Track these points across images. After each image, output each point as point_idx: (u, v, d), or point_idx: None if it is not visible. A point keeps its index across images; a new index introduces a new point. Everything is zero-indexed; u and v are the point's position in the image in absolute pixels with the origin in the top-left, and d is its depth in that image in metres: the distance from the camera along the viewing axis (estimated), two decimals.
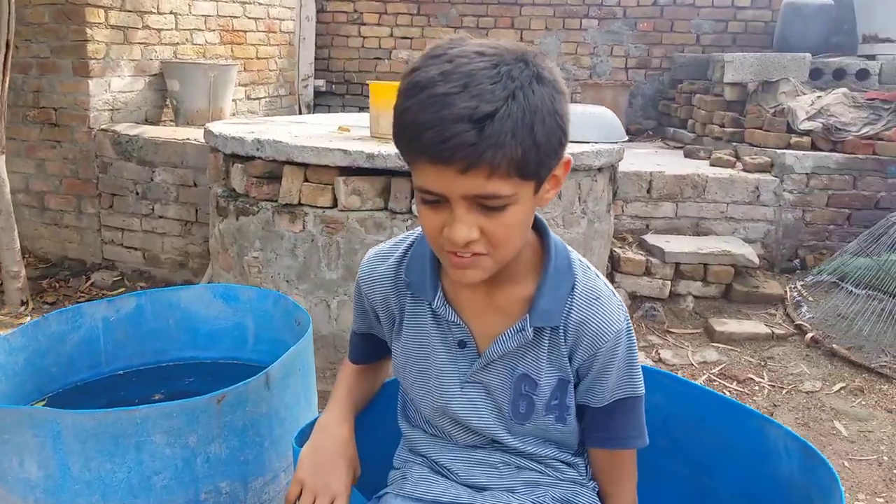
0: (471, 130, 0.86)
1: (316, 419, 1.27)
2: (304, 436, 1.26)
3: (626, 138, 4.11)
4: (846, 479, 2.62)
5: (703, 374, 3.24)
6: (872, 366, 3.28)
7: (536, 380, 1.09)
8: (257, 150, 3.01)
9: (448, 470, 1.18)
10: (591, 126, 3.70)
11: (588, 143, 3.49)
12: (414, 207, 2.85)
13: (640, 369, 1.12)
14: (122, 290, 4.08)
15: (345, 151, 2.84)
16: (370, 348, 1.28)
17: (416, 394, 1.18)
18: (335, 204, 2.94)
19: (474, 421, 1.13)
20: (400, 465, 1.26)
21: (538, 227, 1.09)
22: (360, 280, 1.20)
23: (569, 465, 1.18)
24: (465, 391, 1.12)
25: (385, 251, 1.18)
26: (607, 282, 1.12)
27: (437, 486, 1.16)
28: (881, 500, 2.51)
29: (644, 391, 1.15)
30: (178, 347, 2.03)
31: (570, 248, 1.11)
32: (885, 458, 2.75)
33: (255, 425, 1.54)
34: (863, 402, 3.09)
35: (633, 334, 1.11)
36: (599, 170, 3.40)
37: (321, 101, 6.68)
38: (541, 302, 1.05)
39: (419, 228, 1.13)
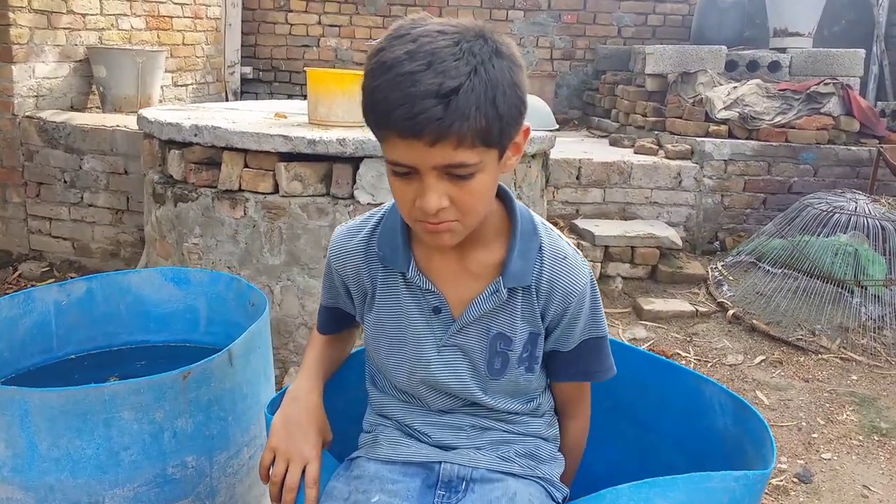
0: (437, 105, 0.92)
1: (287, 388, 1.32)
2: (275, 405, 1.29)
3: (557, 126, 4.25)
4: None
5: None
6: (790, 339, 3.50)
7: (511, 337, 1.15)
8: (195, 135, 3.00)
9: (419, 432, 1.24)
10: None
11: None
12: (356, 193, 2.90)
13: (603, 314, 1.22)
14: (52, 280, 3.98)
15: (286, 137, 2.86)
16: (337, 319, 1.33)
17: (391, 363, 1.21)
18: (276, 190, 2.96)
19: (453, 382, 1.18)
20: (370, 429, 1.29)
21: (502, 195, 1.16)
22: (330, 256, 1.22)
23: (532, 416, 1.25)
24: (442, 355, 1.17)
25: (354, 227, 1.22)
26: (569, 241, 1.21)
27: (408, 448, 1.22)
28: (801, 461, 2.70)
29: (607, 332, 1.26)
30: (130, 331, 2.03)
31: (532, 212, 1.19)
32: (804, 423, 2.95)
33: (220, 401, 1.58)
34: (782, 373, 3.30)
35: (596, 285, 1.22)
36: (533, 156, 3.51)
37: (248, 89, 6.61)
38: (512, 264, 1.11)
39: (387, 204, 1.20)
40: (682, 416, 1.55)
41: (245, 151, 2.97)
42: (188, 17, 5.45)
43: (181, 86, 5.42)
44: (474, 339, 1.16)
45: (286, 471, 1.17)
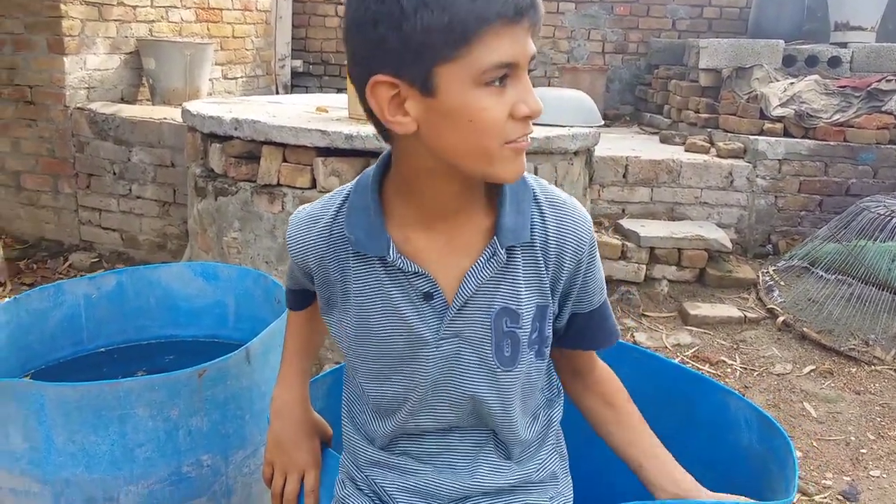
0: None
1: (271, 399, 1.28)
2: None
3: (602, 123, 4.15)
4: (815, 458, 2.69)
5: (677, 356, 3.30)
6: (842, 349, 3.36)
7: (517, 310, 0.99)
8: (235, 129, 3.01)
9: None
10: (567, 110, 3.73)
11: (564, 126, 3.53)
12: None
13: None
14: (101, 271, 4.06)
15: (323, 132, 2.84)
16: (306, 297, 1.20)
17: (379, 367, 1.04)
18: (314, 185, 2.95)
19: (457, 383, 1.02)
20: (343, 490, 1.14)
21: None
22: (289, 247, 1.07)
23: (543, 444, 1.14)
24: (441, 349, 0.99)
25: (314, 212, 1.05)
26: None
27: None
28: (848, 478, 2.59)
29: None
30: (160, 325, 2.04)
31: None
32: (853, 438, 2.83)
33: (237, 399, 1.56)
34: (832, 385, 3.17)
35: None
36: (575, 153, 3.44)
37: (298, 82, 6.65)
38: (507, 220, 0.96)
39: (347, 185, 1.05)
40: (709, 430, 1.49)
41: (284, 146, 2.97)
42: (238, 10, 5.49)
43: (231, 79, 5.47)
44: (477, 323, 0.99)
45: (285, 482, 1.16)
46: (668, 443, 1.58)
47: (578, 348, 1.12)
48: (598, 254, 1.05)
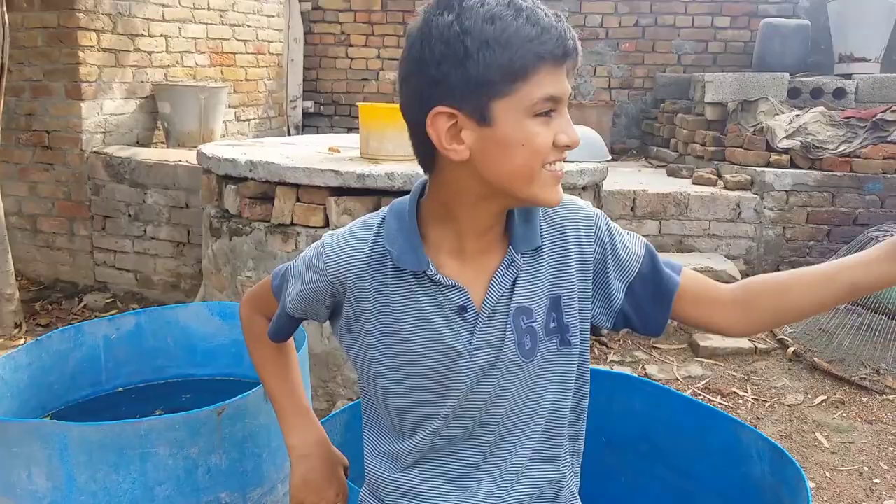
0: (567, 27, 0.95)
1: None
2: None
3: (610, 157, 4.21)
4: (827, 489, 2.69)
5: (689, 388, 3.31)
6: (853, 378, 3.36)
7: (530, 306, 1.06)
8: (250, 171, 3.08)
9: None
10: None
11: (572, 162, 3.58)
12: None
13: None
14: (115, 311, 4.11)
15: (336, 172, 2.91)
16: (295, 326, 1.23)
17: (411, 383, 1.07)
18: (327, 223, 3.00)
19: (489, 386, 1.06)
20: None
21: None
22: (325, 262, 1.09)
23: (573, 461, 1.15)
24: (474, 359, 1.05)
25: (353, 232, 1.10)
26: None
27: None
28: None
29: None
30: (177, 364, 2.08)
31: None
32: (866, 468, 2.82)
33: (254, 437, 1.60)
34: (843, 414, 3.17)
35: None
36: (584, 188, 3.49)
37: (309, 122, 6.76)
38: (517, 229, 1.06)
39: (381, 210, 1.11)
40: (721, 462, 1.51)
41: (297, 186, 3.03)
42: (251, 54, 5.62)
43: (244, 120, 5.58)
44: (501, 327, 1.05)
45: None
46: (682, 475, 1.61)
47: (665, 302, 1.10)
48: (616, 228, 1.12)
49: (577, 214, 1.09)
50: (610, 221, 1.12)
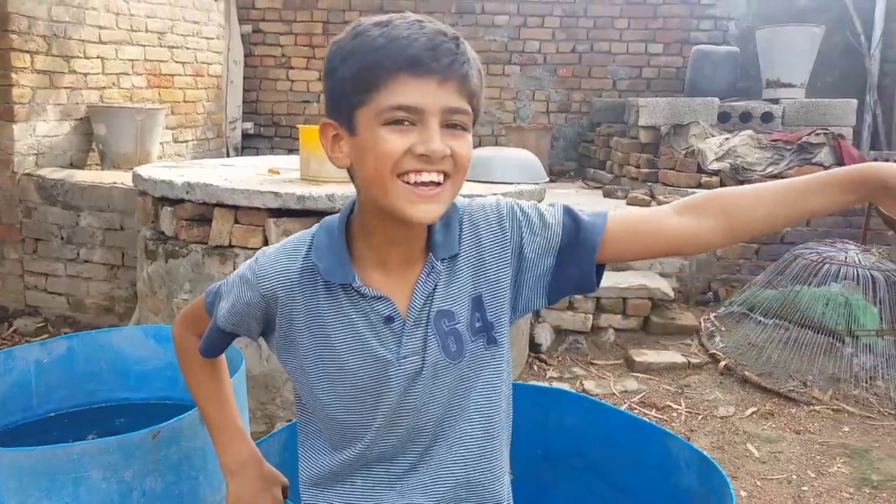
0: (450, 42, 0.97)
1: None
2: None
3: (548, 179, 4.30)
4: (758, 497, 2.77)
5: (625, 402, 3.38)
6: (781, 390, 3.48)
7: (451, 309, 1.08)
8: (187, 192, 3.05)
9: None
10: (514, 168, 3.87)
11: (510, 183, 3.65)
12: None
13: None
14: (46, 336, 4.01)
15: (275, 194, 2.91)
16: (227, 342, 1.24)
17: (344, 393, 1.09)
18: (266, 245, 2.99)
19: (420, 392, 1.08)
20: None
21: None
22: (258, 276, 1.10)
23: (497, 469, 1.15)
24: (403, 367, 1.07)
25: (287, 247, 1.12)
26: None
27: None
28: None
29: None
30: (111, 388, 2.05)
31: None
32: (794, 476, 2.92)
33: (190, 460, 1.59)
34: (773, 425, 3.27)
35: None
36: None
37: (249, 144, 6.72)
38: (438, 236, 1.08)
39: (309, 229, 1.13)
40: (654, 474, 1.55)
41: (236, 208, 3.02)
42: (189, 75, 5.57)
43: (181, 142, 5.52)
44: (424, 335, 1.07)
45: None
46: (615, 488, 1.65)
47: (592, 252, 1.09)
48: (533, 206, 1.13)
49: (488, 210, 1.11)
50: (522, 203, 1.13)
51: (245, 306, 1.12)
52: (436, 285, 1.08)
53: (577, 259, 1.09)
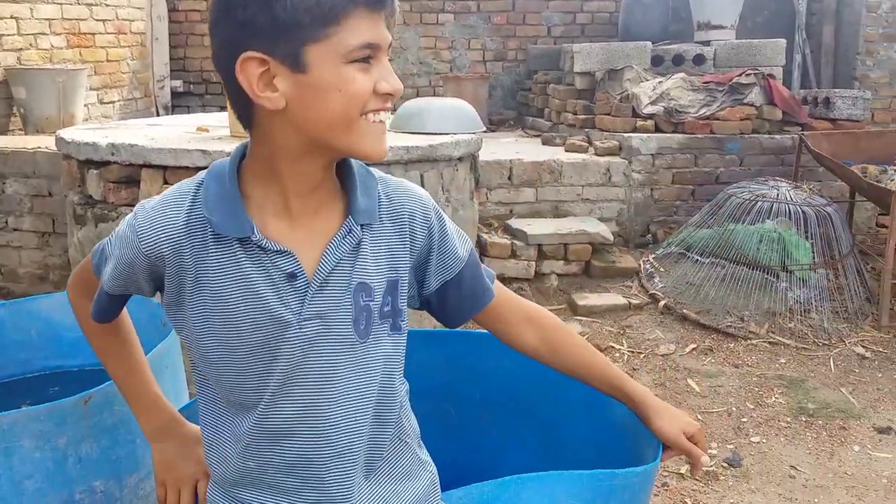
0: None
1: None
2: None
3: (485, 129, 4.28)
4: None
5: None
6: (720, 327, 3.57)
7: (371, 284, 1.02)
8: (112, 154, 2.96)
9: None
10: (450, 118, 3.83)
11: (447, 134, 3.62)
12: None
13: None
14: None
15: (203, 151, 2.83)
16: (119, 305, 1.16)
17: (237, 356, 1.01)
18: None
19: (318, 361, 1.01)
20: None
21: None
22: (138, 234, 1.00)
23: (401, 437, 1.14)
24: (302, 330, 0.99)
25: (168, 199, 1.01)
26: None
27: None
28: (731, 446, 2.76)
29: None
30: (44, 356, 1.99)
31: None
32: (734, 409, 3.02)
33: (126, 423, 1.55)
34: (712, 360, 3.37)
35: None
36: (460, 159, 3.54)
37: (180, 102, 6.52)
38: (359, 200, 1.02)
39: (195, 176, 1.03)
40: (585, 410, 1.57)
41: (164, 168, 2.93)
42: (111, 33, 5.35)
43: (107, 103, 5.32)
44: (337, 300, 1.00)
45: (179, 497, 1.18)
46: (549, 425, 1.67)
47: (473, 309, 1.16)
48: (449, 225, 1.12)
49: (416, 202, 1.08)
50: (444, 217, 1.12)
51: (128, 267, 1.02)
52: (352, 250, 1.01)
53: (459, 303, 1.14)
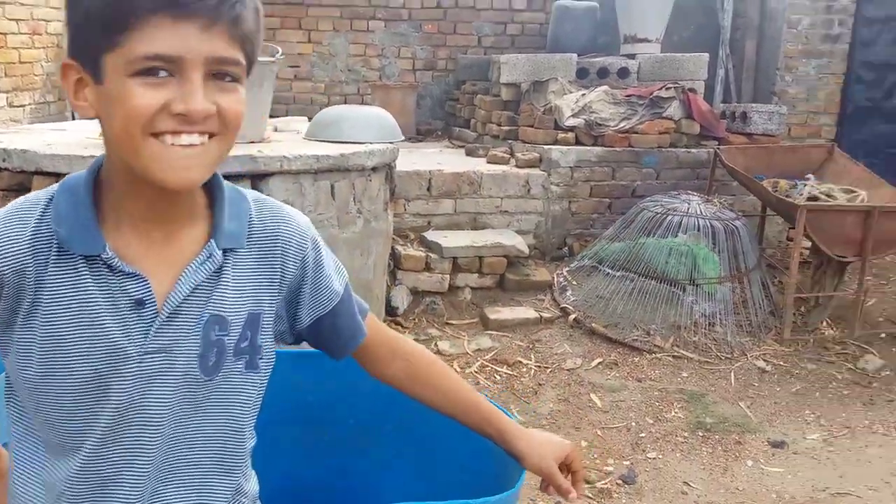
0: None
1: None
2: None
3: (403, 138, 4.25)
4: (598, 446, 2.87)
5: (477, 360, 3.43)
6: (626, 340, 3.61)
7: (227, 317, 0.95)
8: (3, 160, 2.86)
9: None
10: (367, 127, 3.81)
11: (362, 143, 3.59)
12: None
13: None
14: None
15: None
16: None
17: (62, 390, 0.90)
18: None
19: (155, 401, 0.92)
20: None
21: None
22: None
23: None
24: (142, 365, 0.91)
25: (14, 212, 0.91)
26: None
27: None
28: (628, 462, 2.79)
29: None
30: None
31: None
32: (633, 423, 3.05)
33: None
34: (617, 374, 3.40)
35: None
36: (374, 169, 3.51)
37: None
38: (225, 224, 0.95)
39: (49, 188, 0.93)
40: (461, 434, 1.55)
41: (58, 175, 2.83)
42: (25, 34, 5.18)
43: (17, 106, 5.14)
44: (185, 333, 0.92)
45: None
46: (425, 449, 1.65)
47: (346, 348, 1.13)
48: (326, 256, 1.06)
49: (291, 229, 1.01)
50: (322, 247, 1.05)
51: None
52: (210, 278, 0.93)
53: (333, 337, 1.11)
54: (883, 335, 3.87)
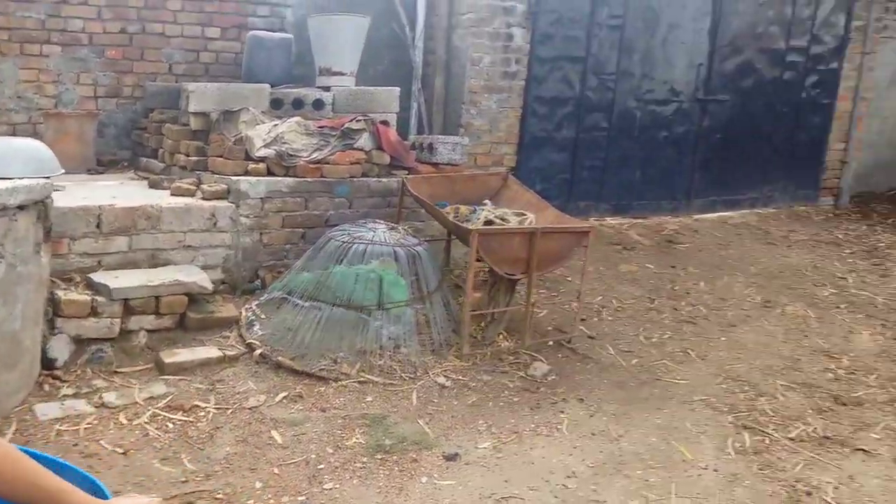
0: None
1: None
2: None
3: (62, 171, 3.91)
4: (274, 485, 2.77)
5: (148, 409, 3.18)
6: (312, 371, 3.56)
7: None
8: None
9: None
10: (14, 160, 3.44)
11: (10, 178, 3.23)
12: None
13: None
14: None
15: None
16: None
17: None
18: None
19: None
20: None
21: None
22: None
23: None
24: None
25: None
26: None
27: None
28: (302, 497, 2.71)
29: None
30: None
31: None
32: (313, 455, 2.98)
33: None
34: (300, 407, 3.33)
35: None
36: (20, 208, 3.16)
37: None
38: None
39: None
40: None
41: None
42: None
43: None
44: None
45: None
46: None
47: None
48: None
49: None
50: None
51: None
52: None
53: None
54: (551, 343, 4.20)
